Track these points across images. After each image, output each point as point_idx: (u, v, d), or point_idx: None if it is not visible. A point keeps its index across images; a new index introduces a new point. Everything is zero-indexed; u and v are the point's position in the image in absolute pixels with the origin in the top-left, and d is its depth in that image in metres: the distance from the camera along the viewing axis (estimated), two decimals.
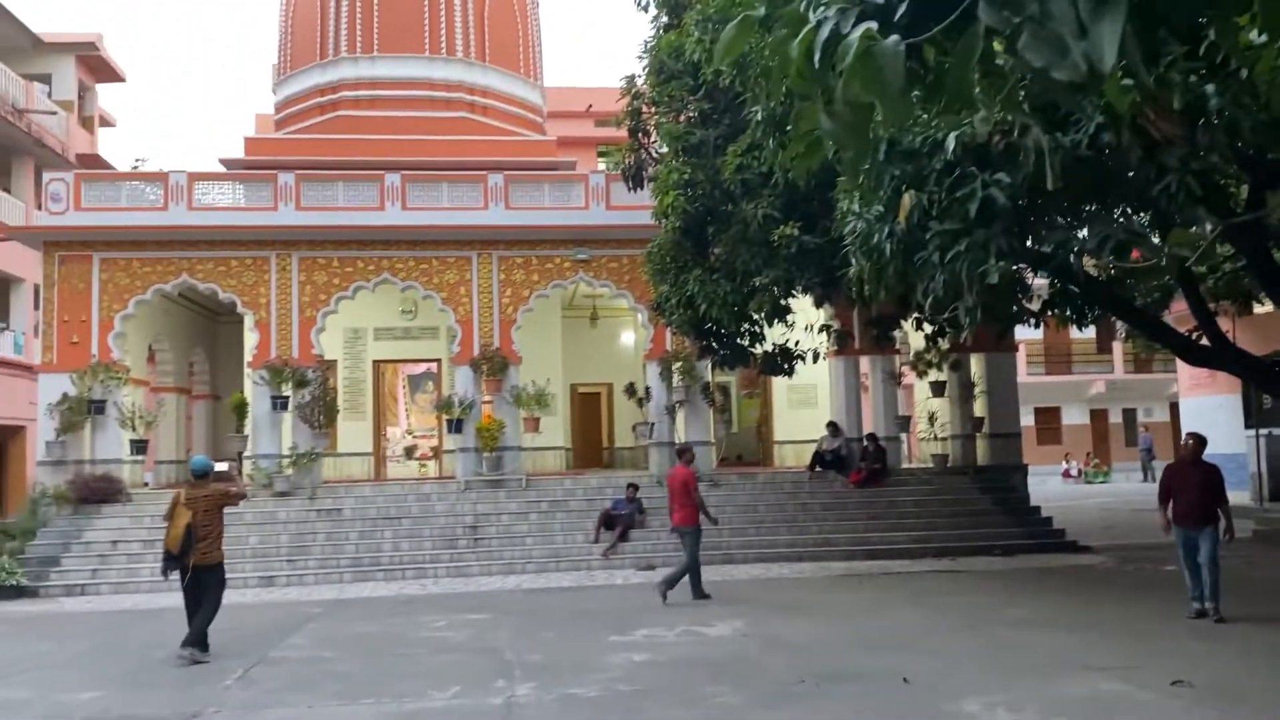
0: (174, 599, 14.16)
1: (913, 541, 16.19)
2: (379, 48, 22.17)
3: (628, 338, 25.60)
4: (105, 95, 34.59)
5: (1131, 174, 7.04)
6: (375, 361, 21.50)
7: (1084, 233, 7.94)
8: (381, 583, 14.97)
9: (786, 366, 15.17)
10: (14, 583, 14.40)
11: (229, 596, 14.01)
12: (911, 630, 10.14)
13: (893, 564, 15.21)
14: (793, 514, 17.13)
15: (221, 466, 11.16)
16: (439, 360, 21.63)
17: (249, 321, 17.86)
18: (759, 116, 9.60)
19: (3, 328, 27.67)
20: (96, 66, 33.00)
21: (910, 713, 7.07)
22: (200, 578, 9.44)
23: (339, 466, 19.44)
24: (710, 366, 18.30)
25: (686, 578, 11.91)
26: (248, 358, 18.03)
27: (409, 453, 23.10)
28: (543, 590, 13.80)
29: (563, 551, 16.01)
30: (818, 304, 13.52)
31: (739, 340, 14.43)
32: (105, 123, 35.62)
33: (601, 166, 21.85)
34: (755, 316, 13.11)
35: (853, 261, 7.36)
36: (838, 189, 7.64)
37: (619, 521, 16.13)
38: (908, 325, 15.75)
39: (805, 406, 22.08)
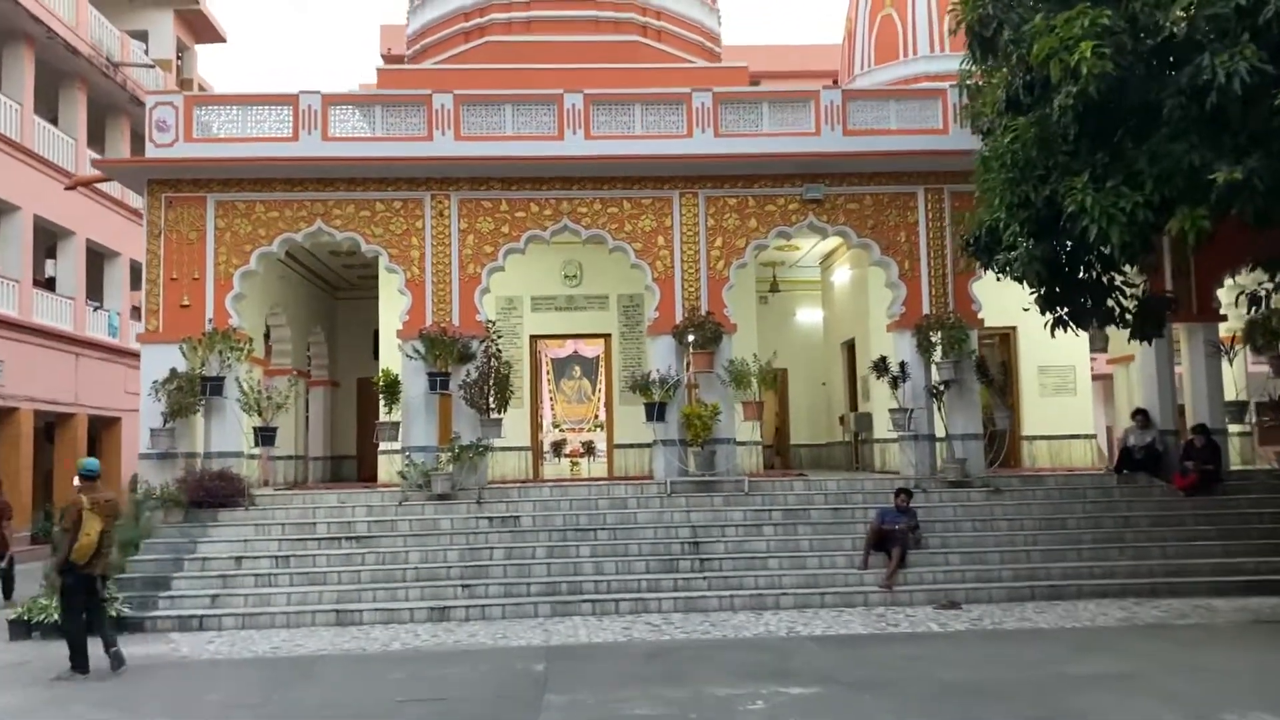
0: (323, 639, 10.40)
1: None
2: None
3: (807, 315, 21.52)
4: (204, 58, 31.62)
5: None
6: (532, 337, 17.70)
7: None
8: (592, 618, 11.08)
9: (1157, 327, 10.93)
10: (113, 612, 10.79)
11: (399, 640, 10.46)
12: None
13: None
14: (1116, 531, 12.81)
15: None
16: (608, 335, 17.76)
17: (398, 281, 14.13)
18: None
19: (96, 306, 24.62)
20: (197, 25, 30.00)
21: None
22: (98, 587, 8.96)
23: (495, 464, 15.66)
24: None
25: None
26: (396, 326, 14.32)
27: (556, 449, 19.24)
28: (838, 639, 9.74)
29: (822, 579, 11.92)
30: None
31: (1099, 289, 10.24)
32: (202, 90, 32.68)
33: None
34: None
35: None
36: None
37: (894, 540, 12.02)
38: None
39: (1062, 393, 17.67)
